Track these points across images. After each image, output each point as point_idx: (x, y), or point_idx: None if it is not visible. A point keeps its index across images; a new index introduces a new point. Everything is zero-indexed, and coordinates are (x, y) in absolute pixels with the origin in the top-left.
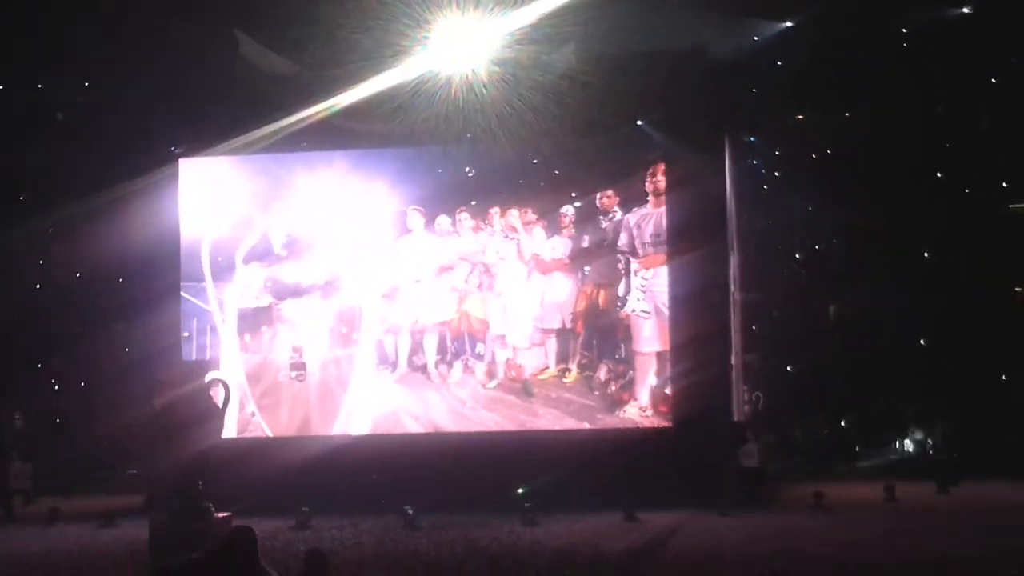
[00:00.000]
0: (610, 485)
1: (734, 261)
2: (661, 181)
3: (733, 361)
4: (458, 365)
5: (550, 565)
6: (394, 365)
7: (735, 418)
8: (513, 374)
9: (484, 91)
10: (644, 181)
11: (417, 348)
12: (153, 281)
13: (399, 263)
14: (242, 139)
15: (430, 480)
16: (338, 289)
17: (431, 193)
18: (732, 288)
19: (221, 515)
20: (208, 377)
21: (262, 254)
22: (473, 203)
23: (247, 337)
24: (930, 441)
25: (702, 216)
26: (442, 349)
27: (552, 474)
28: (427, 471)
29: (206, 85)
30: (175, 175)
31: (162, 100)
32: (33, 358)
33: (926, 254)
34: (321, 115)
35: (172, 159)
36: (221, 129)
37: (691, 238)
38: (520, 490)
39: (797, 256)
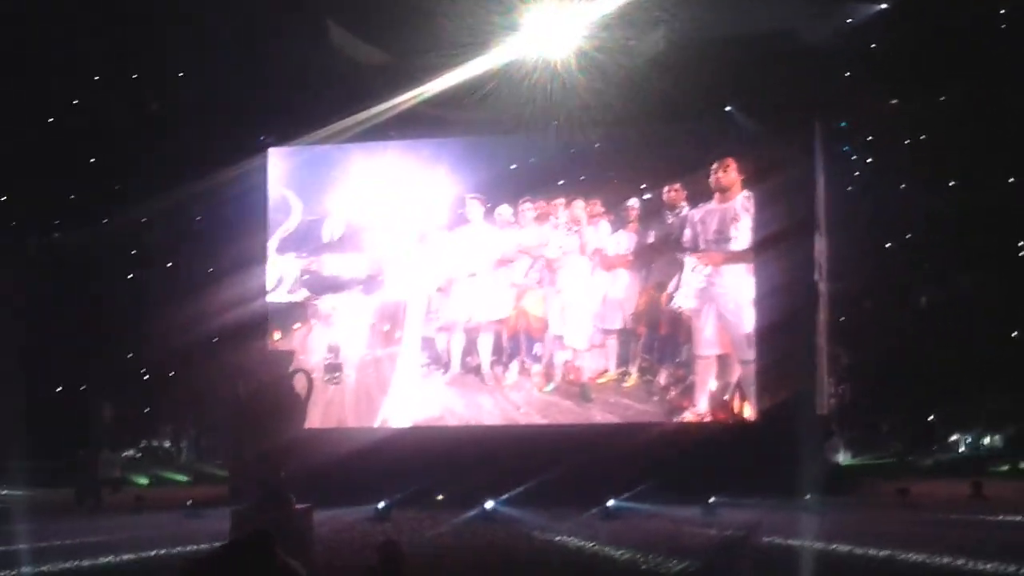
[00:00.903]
0: (691, 479)
1: (823, 249)
2: (726, 177)
3: (819, 353)
4: (514, 366)
5: (629, 559)
6: (446, 366)
7: (820, 412)
8: (571, 377)
9: (571, 78)
10: (709, 176)
11: (471, 347)
12: (242, 271)
13: (454, 255)
14: (329, 128)
15: (505, 474)
16: (382, 283)
17: (493, 181)
18: (819, 278)
19: (301, 506)
20: (291, 367)
21: (300, 242)
22: (536, 194)
23: (276, 335)
24: (1017, 437)
25: (791, 203)
26: (498, 349)
27: (632, 468)
28: (503, 464)
29: (297, 74)
30: (264, 164)
31: (253, 89)
32: (124, 348)
33: (1021, 243)
34: (410, 103)
35: (262, 148)
36: (311, 118)
37: (779, 225)
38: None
39: (888, 245)
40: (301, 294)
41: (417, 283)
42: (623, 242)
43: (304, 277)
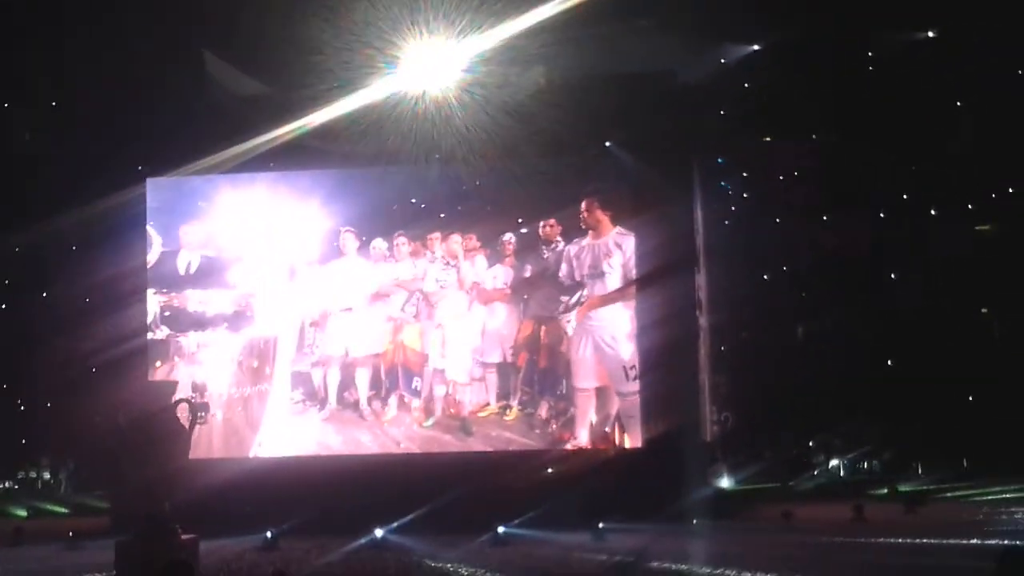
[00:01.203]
0: (578, 505)
1: (702, 283)
2: (591, 217)
3: (702, 382)
4: (393, 401)
5: None
6: (323, 401)
7: (704, 439)
8: (452, 411)
9: (452, 111)
10: (580, 213)
11: (348, 382)
12: (120, 301)
13: (328, 289)
14: (208, 159)
15: (391, 502)
16: (251, 319)
17: (369, 215)
18: (699, 309)
19: (187, 536)
20: (174, 397)
21: (159, 278)
22: (411, 227)
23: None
24: (899, 463)
25: (669, 237)
26: (375, 383)
27: (519, 495)
28: (388, 493)
29: (175, 104)
30: (143, 194)
31: (131, 117)
32: None
33: (892, 275)
34: (289, 136)
35: (140, 178)
36: (189, 149)
37: (659, 259)
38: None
39: (765, 277)
40: (163, 332)
41: (288, 318)
42: (500, 276)
43: (165, 313)
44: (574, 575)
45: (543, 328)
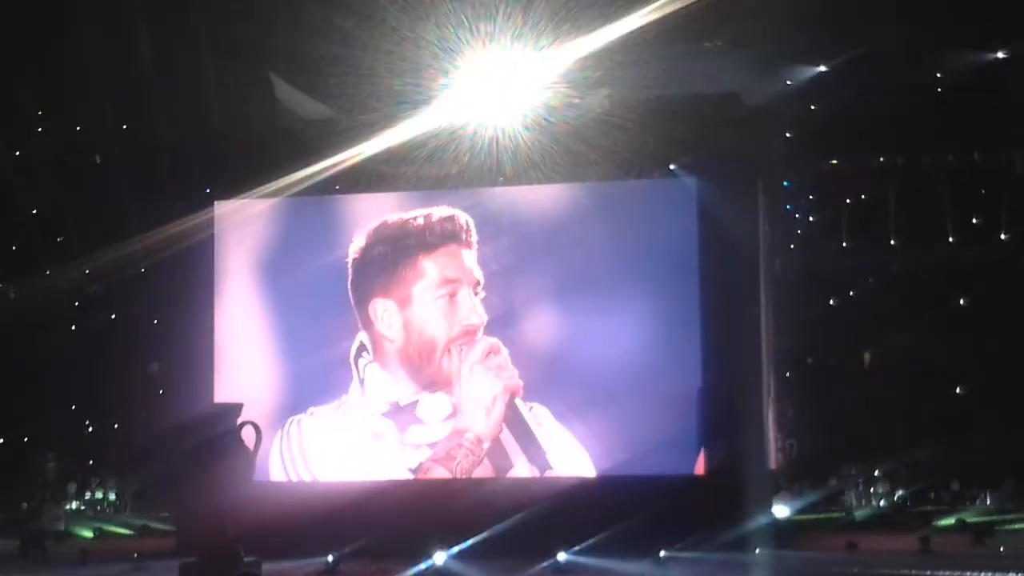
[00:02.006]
0: (639, 533)
1: (767, 308)
2: None
3: (766, 408)
4: None
5: None
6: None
7: (768, 466)
8: None
9: (516, 134)
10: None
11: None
12: (187, 323)
13: None
14: (277, 182)
15: (454, 525)
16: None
17: None
18: (764, 335)
19: (249, 559)
20: (239, 419)
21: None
22: None
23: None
24: (967, 493)
25: (735, 261)
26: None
27: (582, 521)
28: (451, 516)
29: (241, 127)
30: (211, 216)
31: (197, 142)
32: (67, 400)
33: (962, 300)
34: (354, 159)
35: (208, 201)
36: (256, 172)
37: (724, 283)
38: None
39: (831, 302)
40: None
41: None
42: None
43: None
44: None
45: None
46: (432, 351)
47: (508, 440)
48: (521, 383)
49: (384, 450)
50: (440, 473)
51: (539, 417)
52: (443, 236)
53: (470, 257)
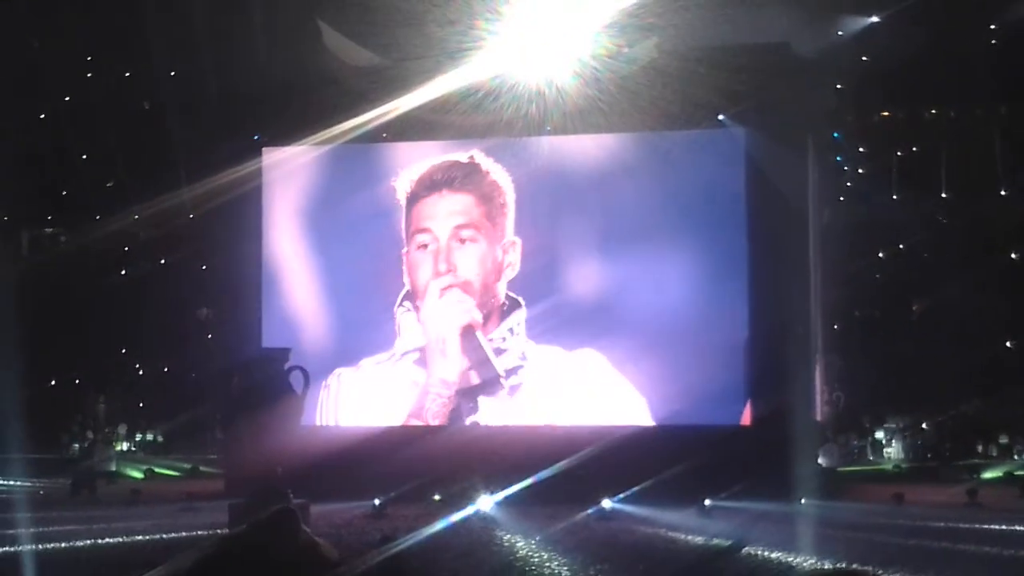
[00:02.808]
0: (685, 482)
1: (815, 259)
2: None
3: (814, 360)
4: None
5: (625, 558)
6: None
7: (815, 417)
8: None
9: (564, 84)
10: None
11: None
12: (236, 269)
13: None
14: (326, 132)
15: (501, 473)
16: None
17: None
18: (813, 287)
19: (298, 502)
20: (288, 364)
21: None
22: None
23: None
24: (1016, 446)
25: (784, 213)
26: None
27: (625, 469)
28: (498, 463)
29: (290, 74)
30: (259, 164)
31: (246, 89)
32: (118, 343)
33: (1013, 254)
34: (402, 108)
35: (256, 148)
36: (304, 120)
37: (773, 235)
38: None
39: (880, 255)
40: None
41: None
42: None
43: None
44: (679, 552)
45: None
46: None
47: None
48: (479, 316)
49: (418, 396)
50: (416, 420)
51: (587, 356)
52: (476, 183)
53: (499, 207)
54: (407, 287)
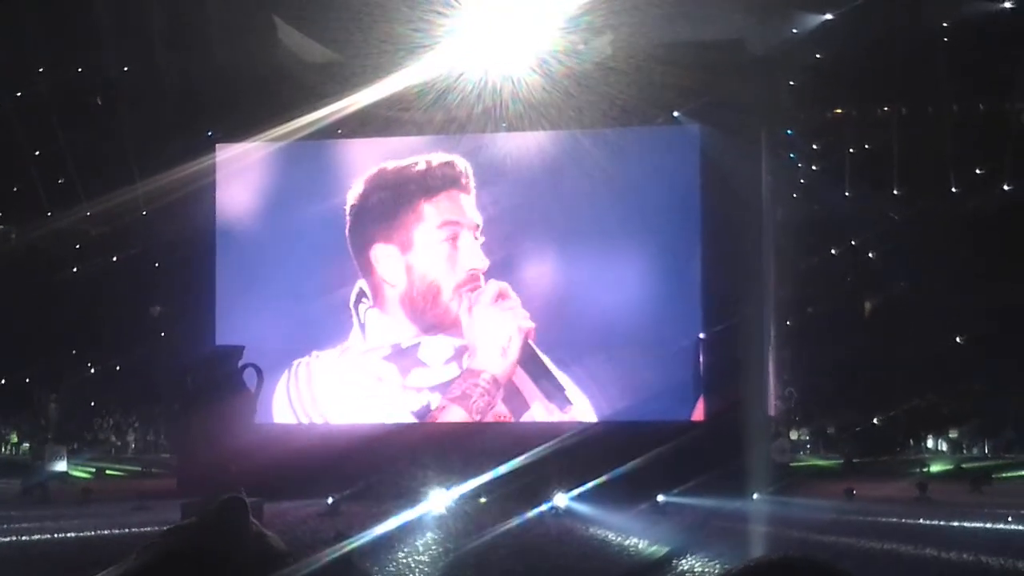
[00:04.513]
0: (639, 477)
1: (768, 256)
2: None
3: (766, 356)
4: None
5: (579, 554)
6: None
7: (768, 413)
8: None
9: (519, 80)
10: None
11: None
12: (188, 266)
13: None
14: (281, 128)
15: (454, 467)
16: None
17: None
18: (766, 283)
19: (252, 500)
20: (241, 362)
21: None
22: None
23: None
24: (965, 440)
25: (737, 209)
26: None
27: (581, 466)
28: (450, 459)
29: (244, 70)
30: (212, 160)
31: (200, 85)
32: (68, 342)
33: (963, 250)
34: (358, 104)
35: (210, 144)
36: (258, 116)
37: (727, 231)
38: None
39: (832, 251)
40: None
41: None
42: None
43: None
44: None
45: None
46: (436, 295)
47: (523, 380)
48: (533, 325)
49: (387, 393)
50: (456, 413)
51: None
52: (443, 180)
53: (469, 202)
54: (361, 285)
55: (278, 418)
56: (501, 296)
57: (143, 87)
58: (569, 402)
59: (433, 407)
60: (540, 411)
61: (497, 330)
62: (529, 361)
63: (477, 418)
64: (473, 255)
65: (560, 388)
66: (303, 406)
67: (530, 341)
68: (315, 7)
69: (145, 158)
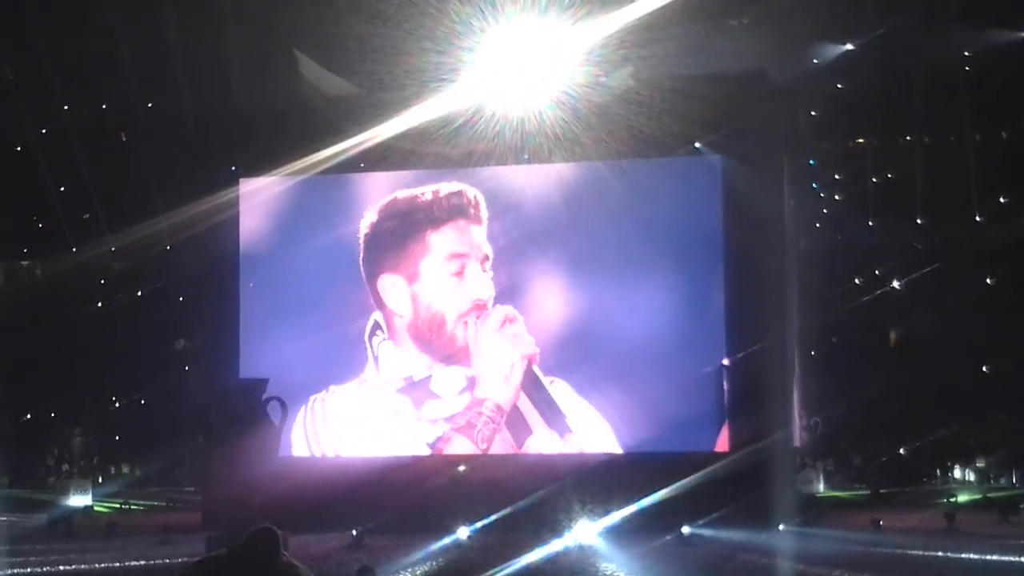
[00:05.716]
0: (665, 509)
1: (792, 286)
2: None
3: (791, 386)
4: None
5: None
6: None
7: (794, 444)
8: None
9: (541, 112)
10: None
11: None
12: (212, 299)
13: None
14: (302, 161)
15: (476, 499)
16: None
17: None
18: (790, 313)
19: (280, 532)
20: (265, 395)
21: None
22: None
23: None
24: (992, 470)
25: (760, 239)
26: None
27: (608, 496)
28: (473, 491)
29: (266, 105)
30: (235, 194)
31: (223, 119)
32: (93, 375)
33: (988, 280)
34: (380, 137)
35: (233, 179)
36: (281, 149)
37: (749, 262)
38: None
39: (857, 281)
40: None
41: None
42: None
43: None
44: None
45: None
46: (442, 324)
47: (527, 407)
48: (537, 350)
49: (403, 426)
50: (461, 443)
51: (558, 388)
52: (450, 211)
53: (479, 232)
54: (376, 317)
55: (299, 452)
56: (508, 321)
57: (168, 122)
58: (570, 430)
59: None
60: (542, 437)
61: (500, 356)
62: (533, 387)
63: (483, 447)
64: (479, 286)
65: (562, 416)
66: (319, 442)
67: (534, 367)
68: (336, 41)
69: (169, 192)
